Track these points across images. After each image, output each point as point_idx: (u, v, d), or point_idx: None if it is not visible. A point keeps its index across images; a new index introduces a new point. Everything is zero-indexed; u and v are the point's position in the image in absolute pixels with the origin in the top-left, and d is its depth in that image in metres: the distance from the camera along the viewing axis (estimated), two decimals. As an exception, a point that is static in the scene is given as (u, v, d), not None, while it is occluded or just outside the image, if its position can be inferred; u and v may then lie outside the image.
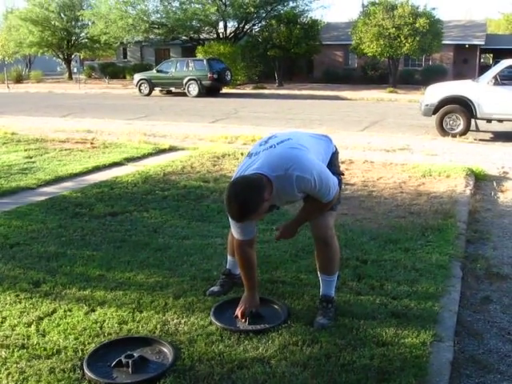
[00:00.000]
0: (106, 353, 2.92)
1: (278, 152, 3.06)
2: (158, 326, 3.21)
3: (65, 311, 3.39)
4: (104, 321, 3.28)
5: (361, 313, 3.37)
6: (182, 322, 3.27)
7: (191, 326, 3.23)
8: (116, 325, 3.23)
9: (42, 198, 6.12)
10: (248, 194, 2.85)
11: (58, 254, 4.33)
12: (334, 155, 3.41)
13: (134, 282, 3.84)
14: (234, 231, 3.25)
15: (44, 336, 3.11)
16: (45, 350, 2.96)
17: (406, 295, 3.64)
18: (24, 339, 3.07)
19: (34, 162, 8.09)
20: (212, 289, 3.66)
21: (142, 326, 3.22)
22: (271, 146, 3.11)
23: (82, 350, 2.96)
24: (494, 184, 7.30)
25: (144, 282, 3.84)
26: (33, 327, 3.20)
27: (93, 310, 3.41)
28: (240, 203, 2.85)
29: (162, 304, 3.48)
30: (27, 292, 3.65)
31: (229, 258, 3.78)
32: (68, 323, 3.24)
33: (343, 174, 3.43)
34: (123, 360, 2.81)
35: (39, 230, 4.92)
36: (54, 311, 3.40)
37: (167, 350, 2.95)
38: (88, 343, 3.03)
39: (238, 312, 3.31)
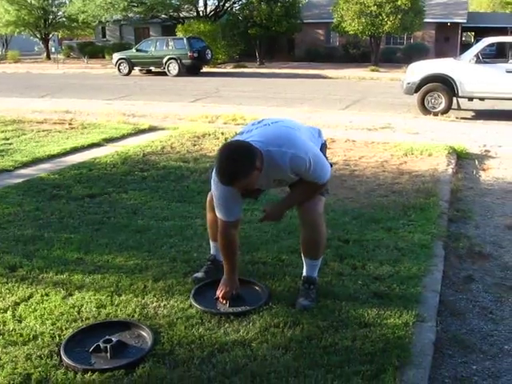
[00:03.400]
0: (84, 338, 2.86)
1: (272, 129, 3.03)
2: (137, 310, 3.16)
3: (42, 296, 3.31)
4: (82, 305, 3.21)
5: (343, 294, 3.34)
6: (162, 305, 3.21)
7: (171, 309, 3.17)
8: (94, 309, 3.17)
9: (19, 180, 6.00)
10: (241, 156, 2.77)
11: (35, 238, 4.24)
12: (323, 146, 3.38)
13: (113, 264, 3.77)
14: (219, 211, 3.15)
15: (20, 322, 3.04)
16: (21, 336, 2.89)
17: (388, 275, 3.61)
18: (-1, 325, 3.00)
19: (10, 144, 7.93)
20: (196, 275, 3.56)
21: (120, 310, 3.16)
22: (265, 125, 3.07)
23: (60, 336, 2.89)
24: (476, 162, 7.31)
25: (123, 264, 3.77)
26: (9, 313, 3.12)
27: (70, 295, 3.34)
28: (231, 163, 2.76)
29: (141, 287, 3.42)
30: (3, 277, 3.57)
31: (212, 243, 3.67)
32: (45, 308, 3.17)
33: (332, 166, 3.37)
34: (101, 345, 2.75)
35: (16, 213, 4.82)
36: (31, 296, 3.32)
37: (146, 334, 2.90)
38: (65, 328, 2.97)
39: (219, 295, 3.25)
